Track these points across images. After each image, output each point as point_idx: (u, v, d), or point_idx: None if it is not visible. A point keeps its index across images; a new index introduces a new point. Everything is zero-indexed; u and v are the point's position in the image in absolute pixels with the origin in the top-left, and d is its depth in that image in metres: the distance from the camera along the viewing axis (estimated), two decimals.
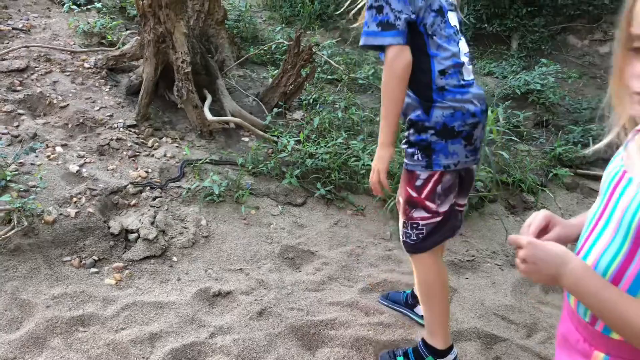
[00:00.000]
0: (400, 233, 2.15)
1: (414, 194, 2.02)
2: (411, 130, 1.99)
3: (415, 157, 1.98)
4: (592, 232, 1.04)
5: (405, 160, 2.04)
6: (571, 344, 1.08)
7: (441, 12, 1.93)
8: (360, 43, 1.91)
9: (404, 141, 2.05)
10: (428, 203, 2.01)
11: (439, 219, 2.05)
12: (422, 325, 2.47)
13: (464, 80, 1.96)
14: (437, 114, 1.92)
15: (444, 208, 2.03)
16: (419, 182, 2.00)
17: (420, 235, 2.07)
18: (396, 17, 1.82)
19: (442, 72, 1.91)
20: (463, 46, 2.02)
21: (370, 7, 1.87)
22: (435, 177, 1.97)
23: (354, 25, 2.14)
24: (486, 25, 7.13)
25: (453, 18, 2.00)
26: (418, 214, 2.04)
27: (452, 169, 1.97)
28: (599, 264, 0.98)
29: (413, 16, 1.84)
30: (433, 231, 2.06)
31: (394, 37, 1.82)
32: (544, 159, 4.59)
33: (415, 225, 2.06)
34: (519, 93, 5.51)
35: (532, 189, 4.12)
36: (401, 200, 2.11)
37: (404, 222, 2.11)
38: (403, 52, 1.84)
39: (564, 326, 1.12)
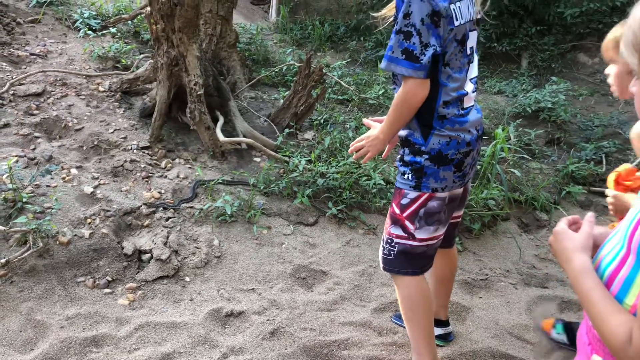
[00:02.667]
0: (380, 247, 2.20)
1: (397, 211, 2.06)
2: (406, 150, 2.02)
3: (406, 176, 2.02)
4: (610, 235, 1.11)
5: (397, 177, 2.08)
6: (581, 346, 1.14)
7: (462, 41, 1.93)
8: (382, 66, 1.90)
9: (398, 158, 2.09)
10: (407, 223, 2.04)
11: (412, 242, 2.06)
12: (440, 346, 2.45)
13: (463, 109, 1.98)
14: (434, 141, 1.95)
15: (420, 235, 2.05)
16: (404, 201, 2.03)
17: (392, 252, 2.10)
18: (422, 51, 1.79)
19: (446, 103, 1.93)
20: (472, 71, 2.03)
21: (399, 31, 1.81)
22: (422, 199, 2.00)
23: (378, 13, 2.05)
24: (496, 44, 7.16)
25: (471, 39, 2.00)
26: (395, 231, 2.08)
27: (439, 193, 2.00)
28: (601, 265, 1.06)
29: (440, 49, 1.82)
30: (404, 254, 2.08)
31: (416, 70, 1.81)
32: (556, 177, 4.56)
33: (389, 241, 2.10)
34: (530, 111, 5.50)
35: (545, 206, 4.09)
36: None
37: (383, 236, 2.15)
38: (422, 86, 1.84)
39: (581, 329, 1.18)
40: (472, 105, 2.04)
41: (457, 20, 1.86)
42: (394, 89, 2.04)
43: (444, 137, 1.94)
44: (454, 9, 1.84)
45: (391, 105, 1.95)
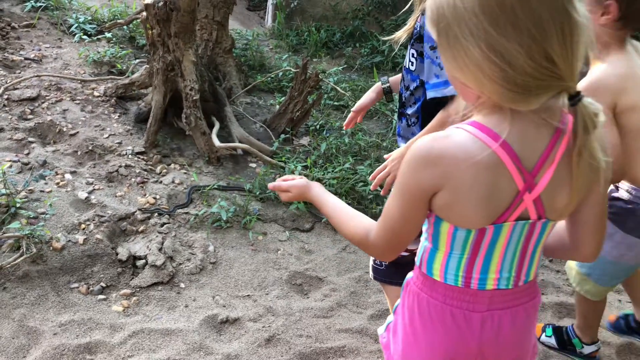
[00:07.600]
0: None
1: None
2: None
3: None
4: None
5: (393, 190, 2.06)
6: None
7: None
8: (443, 92, 1.70)
9: None
10: None
11: (403, 252, 2.04)
12: None
13: None
14: None
15: (411, 246, 2.02)
16: None
17: (383, 262, 2.12)
18: None
19: None
20: None
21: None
22: None
23: (392, 37, 1.92)
24: None
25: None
26: None
27: None
28: None
29: None
30: (394, 265, 2.04)
31: None
32: None
33: None
34: None
35: None
36: None
37: None
38: None
39: None
40: None
41: None
42: (411, 93, 1.93)
43: None
44: None
45: (435, 119, 1.75)
